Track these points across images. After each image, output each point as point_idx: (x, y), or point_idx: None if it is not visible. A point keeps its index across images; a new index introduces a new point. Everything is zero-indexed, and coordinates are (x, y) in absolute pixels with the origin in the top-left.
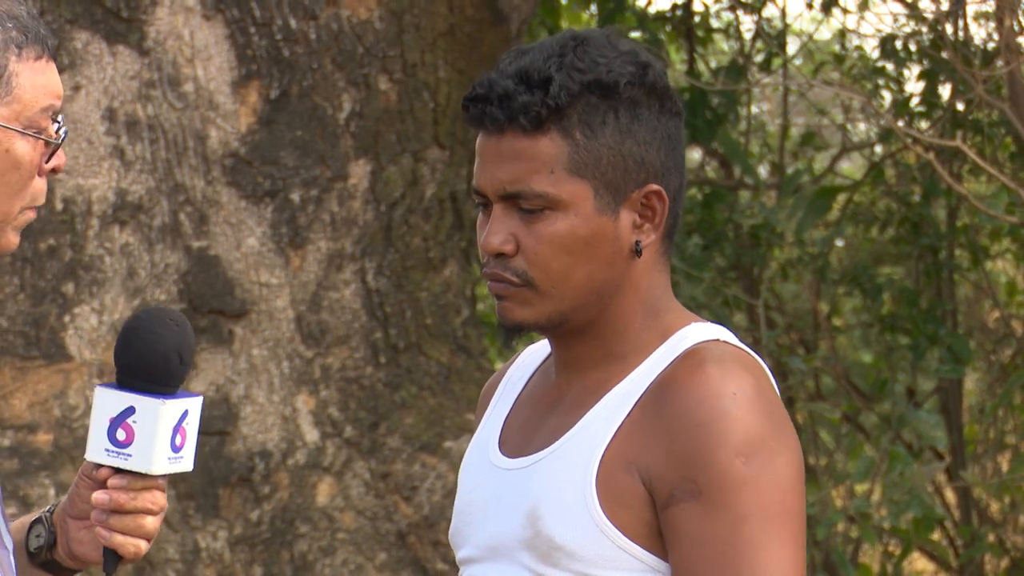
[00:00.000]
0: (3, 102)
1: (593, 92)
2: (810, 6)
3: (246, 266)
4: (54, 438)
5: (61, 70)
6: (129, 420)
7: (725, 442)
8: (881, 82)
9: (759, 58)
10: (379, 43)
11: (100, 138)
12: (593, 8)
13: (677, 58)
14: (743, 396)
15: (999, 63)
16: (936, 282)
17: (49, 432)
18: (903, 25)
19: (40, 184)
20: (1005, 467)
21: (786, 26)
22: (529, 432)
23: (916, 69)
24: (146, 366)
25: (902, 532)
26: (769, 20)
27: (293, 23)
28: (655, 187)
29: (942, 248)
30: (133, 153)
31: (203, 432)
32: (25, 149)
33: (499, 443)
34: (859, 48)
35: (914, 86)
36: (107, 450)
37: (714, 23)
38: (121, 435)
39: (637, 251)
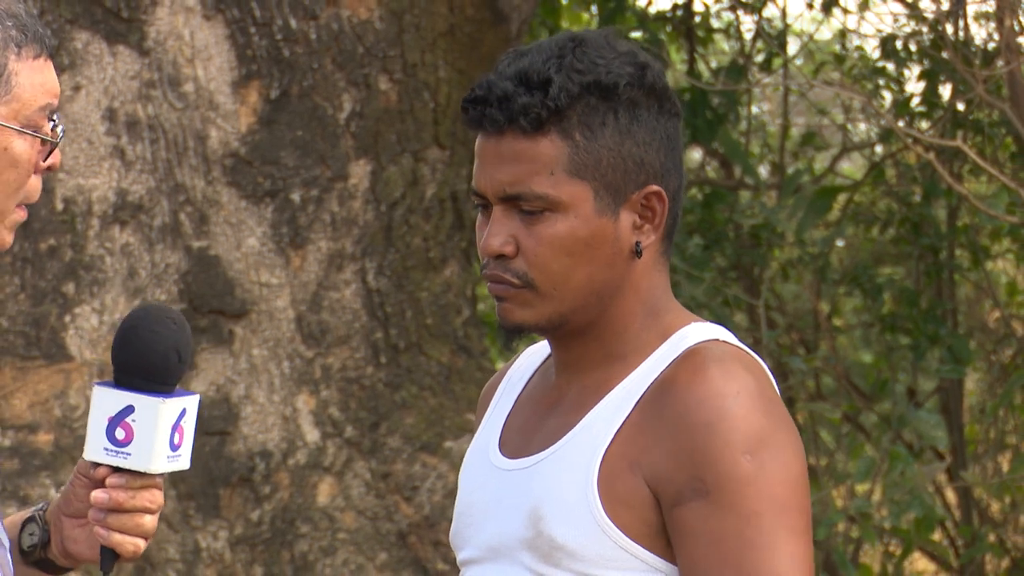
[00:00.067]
0: (2, 101)
1: (592, 93)
2: (810, 6)
3: (246, 266)
4: (55, 438)
5: (61, 70)
6: (128, 419)
7: (730, 441)
8: (881, 82)
9: (759, 58)
10: (379, 43)
11: (100, 138)
12: (593, 8)
13: (678, 58)
14: (745, 395)
15: (999, 63)
16: (937, 282)
17: (50, 432)
18: (903, 25)
19: (35, 182)
20: (1006, 467)
21: (786, 26)
22: (529, 433)
23: (916, 69)
24: (145, 365)
25: (903, 532)
26: (769, 20)
27: (293, 23)
28: (655, 188)
29: (942, 248)
30: (133, 153)
31: (204, 432)
32: (23, 148)
33: (499, 444)
34: (859, 48)
35: (914, 86)
36: (106, 449)
37: (714, 23)
38: (120, 434)
39: (637, 252)
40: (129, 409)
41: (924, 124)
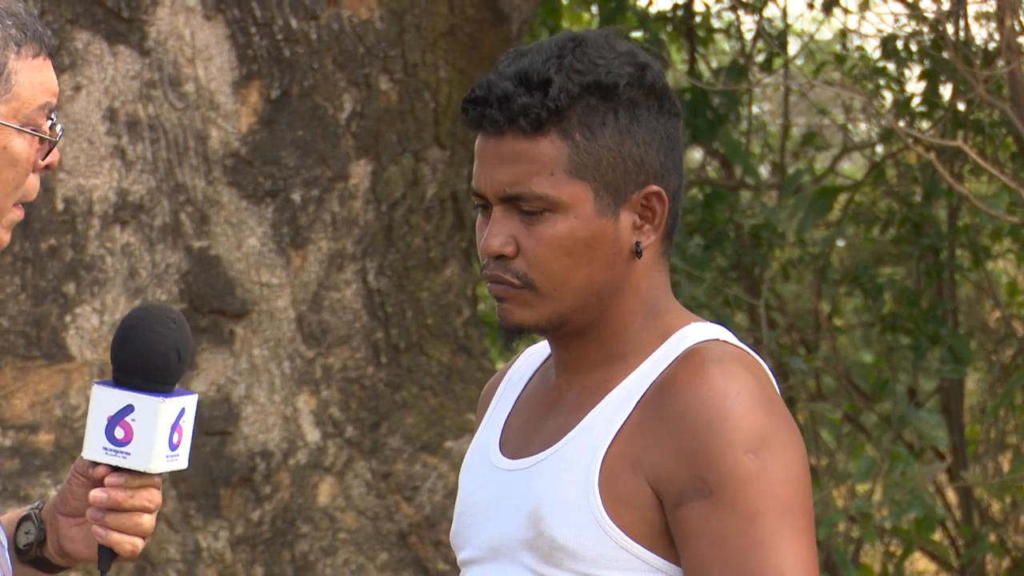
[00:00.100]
0: (2, 100)
1: (592, 94)
2: (811, 6)
3: (247, 266)
4: (55, 438)
5: (62, 70)
6: (127, 418)
7: (733, 440)
8: (882, 82)
9: (760, 58)
10: (380, 43)
11: (101, 138)
12: (594, 8)
13: (678, 58)
14: (746, 394)
15: (1000, 63)
16: (937, 282)
17: (50, 432)
18: (904, 25)
19: (33, 181)
20: (1006, 467)
21: (787, 26)
22: (529, 433)
23: (917, 69)
24: (145, 364)
25: (903, 532)
26: (770, 20)
27: (294, 23)
28: (655, 188)
29: (943, 248)
30: (134, 153)
31: (204, 432)
32: (22, 146)
33: (499, 444)
34: (860, 48)
35: (915, 86)
36: (105, 448)
37: (715, 23)
38: (119, 433)
39: (637, 252)
40: (129, 408)
41: (925, 124)
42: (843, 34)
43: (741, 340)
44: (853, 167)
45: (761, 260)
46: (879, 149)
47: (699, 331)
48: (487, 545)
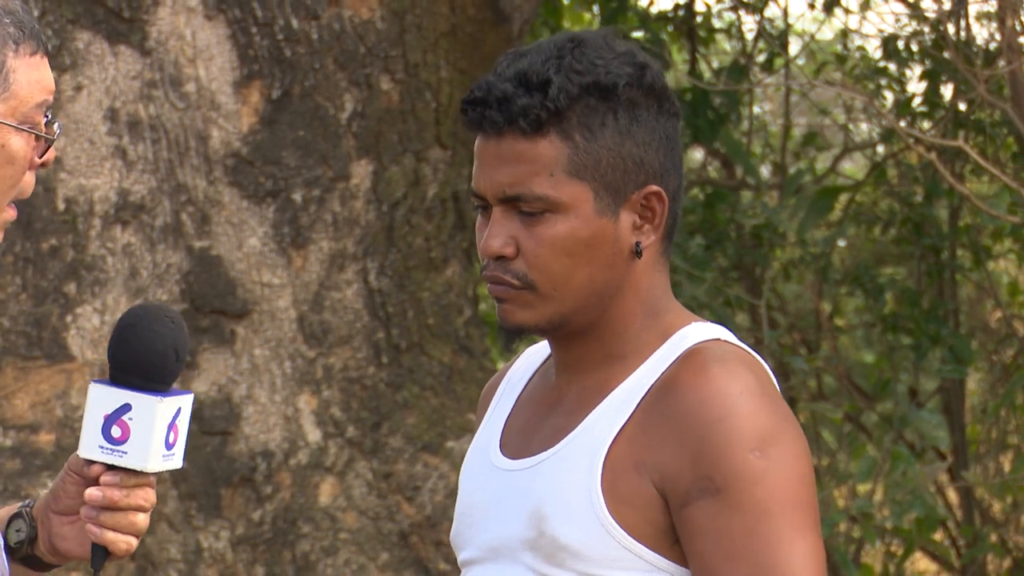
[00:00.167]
0: (0, 98)
1: (592, 94)
2: (812, 6)
3: (248, 266)
4: (56, 438)
5: (63, 70)
6: (125, 417)
7: (738, 439)
8: (883, 82)
9: (761, 58)
10: (381, 43)
11: (102, 138)
12: (595, 8)
13: (679, 58)
14: (749, 393)
15: (1001, 63)
16: (938, 282)
17: (51, 432)
18: (905, 25)
19: (29, 179)
20: (1007, 467)
21: (788, 26)
22: (530, 433)
23: (918, 69)
24: (143, 363)
25: (904, 532)
26: (771, 20)
27: (295, 23)
28: (655, 188)
29: (944, 248)
30: (135, 153)
31: (205, 432)
32: (20, 144)
33: (500, 444)
34: (861, 48)
35: (916, 86)
36: (101, 447)
37: (716, 23)
38: (116, 432)
39: (637, 252)
40: (126, 407)
41: (926, 124)
42: (844, 34)
43: (742, 340)
44: (854, 167)
45: (762, 260)
46: (880, 149)
47: (700, 331)
48: (488, 545)
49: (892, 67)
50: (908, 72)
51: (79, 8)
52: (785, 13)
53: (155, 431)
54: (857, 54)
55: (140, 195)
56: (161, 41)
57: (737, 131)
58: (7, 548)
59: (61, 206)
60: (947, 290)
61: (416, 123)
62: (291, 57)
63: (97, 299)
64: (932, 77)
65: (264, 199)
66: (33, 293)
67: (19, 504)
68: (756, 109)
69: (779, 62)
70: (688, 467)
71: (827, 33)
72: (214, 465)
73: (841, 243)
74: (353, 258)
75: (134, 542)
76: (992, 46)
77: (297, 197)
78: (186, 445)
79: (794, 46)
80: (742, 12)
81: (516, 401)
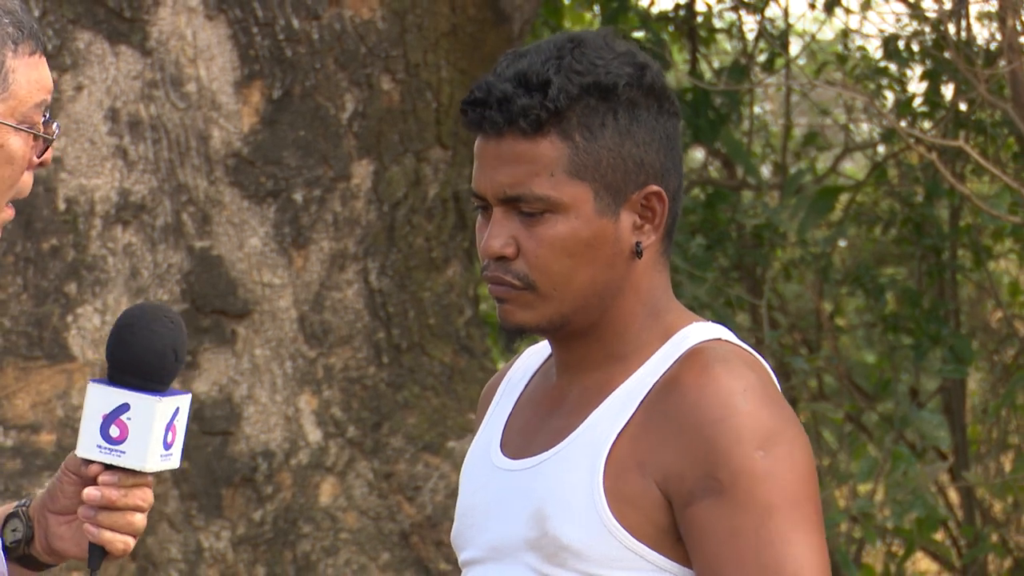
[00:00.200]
0: (0, 98)
1: (592, 94)
2: (813, 6)
3: (249, 266)
4: (57, 438)
5: (64, 70)
6: (123, 417)
7: (742, 438)
8: (884, 82)
9: (762, 58)
10: (382, 43)
11: (103, 138)
12: (596, 8)
13: (680, 58)
14: (752, 392)
15: (1002, 63)
16: (939, 282)
17: (52, 432)
18: (906, 25)
19: (27, 178)
20: (1008, 467)
21: (789, 26)
22: (531, 434)
23: (919, 69)
24: (142, 363)
25: (905, 532)
26: (772, 20)
27: (296, 23)
28: (655, 188)
29: (945, 248)
30: (136, 153)
31: (206, 432)
32: (19, 144)
33: (501, 445)
34: (862, 48)
35: (917, 86)
36: (99, 446)
37: (717, 23)
38: (115, 432)
39: (638, 252)
40: (124, 407)
41: (926, 124)
42: (845, 34)
43: (743, 340)
44: (855, 167)
45: (763, 260)
46: (881, 149)
47: (700, 331)
48: (489, 545)
49: (893, 67)
50: (909, 72)
51: (80, 8)
52: (786, 13)
53: (153, 431)
54: (858, 54)
55: (141, 195)
56: (162, 41)
57: (738, 131)
58: (3, 548)
59: (62, 206)
60: (948, 290)
61: (417, 123)
62: (292, 57)
63: (98, 299)
64: (933, 77)
65: (265, 199)
66: (34, 293)
67: (15, 503)
68: (757, 109)
69: (780, 62)
70: (691, 466)
71: (828, 33)
72: (215, 465)
73: (842, 243)
74: (354, 258)
75: (131, 542)
76: (993, 46)
77: (298, 197)
78: (186, 445)
79: (795, 46)
80: (743, 12)
81: (517, 401)
